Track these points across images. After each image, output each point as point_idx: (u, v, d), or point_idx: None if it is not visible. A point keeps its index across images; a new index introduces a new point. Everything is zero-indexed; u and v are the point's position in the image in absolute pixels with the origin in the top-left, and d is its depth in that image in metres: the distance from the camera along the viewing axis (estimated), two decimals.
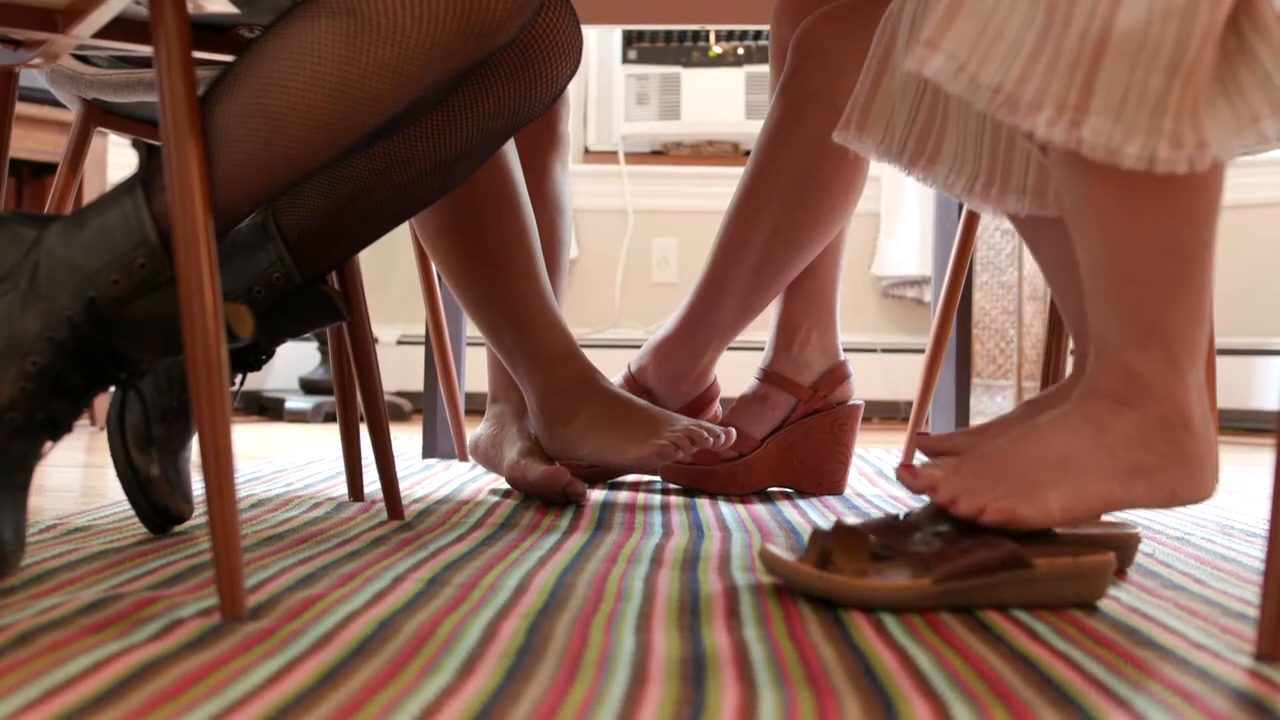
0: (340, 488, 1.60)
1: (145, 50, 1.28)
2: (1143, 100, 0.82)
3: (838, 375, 1.66)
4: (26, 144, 2.69)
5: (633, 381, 1.70)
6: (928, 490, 0.93)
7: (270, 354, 1.20)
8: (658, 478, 1.76)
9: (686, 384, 1.69)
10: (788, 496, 1.63)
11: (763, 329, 1.73)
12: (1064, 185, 0.91)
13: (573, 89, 3.57)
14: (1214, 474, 0.93)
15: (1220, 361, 3.16)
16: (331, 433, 2.87)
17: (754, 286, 1.63)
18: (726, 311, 1.64)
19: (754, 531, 1.30)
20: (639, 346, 3.80)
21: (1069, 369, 1.48)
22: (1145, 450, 0.90)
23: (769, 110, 1.65)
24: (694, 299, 1.66)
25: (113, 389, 1.09)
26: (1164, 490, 0.92)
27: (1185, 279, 0.88)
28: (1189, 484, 0.92)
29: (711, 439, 1.43)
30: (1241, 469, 2.24)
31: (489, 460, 1.63)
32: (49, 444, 0.99)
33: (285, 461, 1.96)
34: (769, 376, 1.66)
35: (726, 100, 3.64)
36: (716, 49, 3.65)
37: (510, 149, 1.50)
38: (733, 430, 1.47)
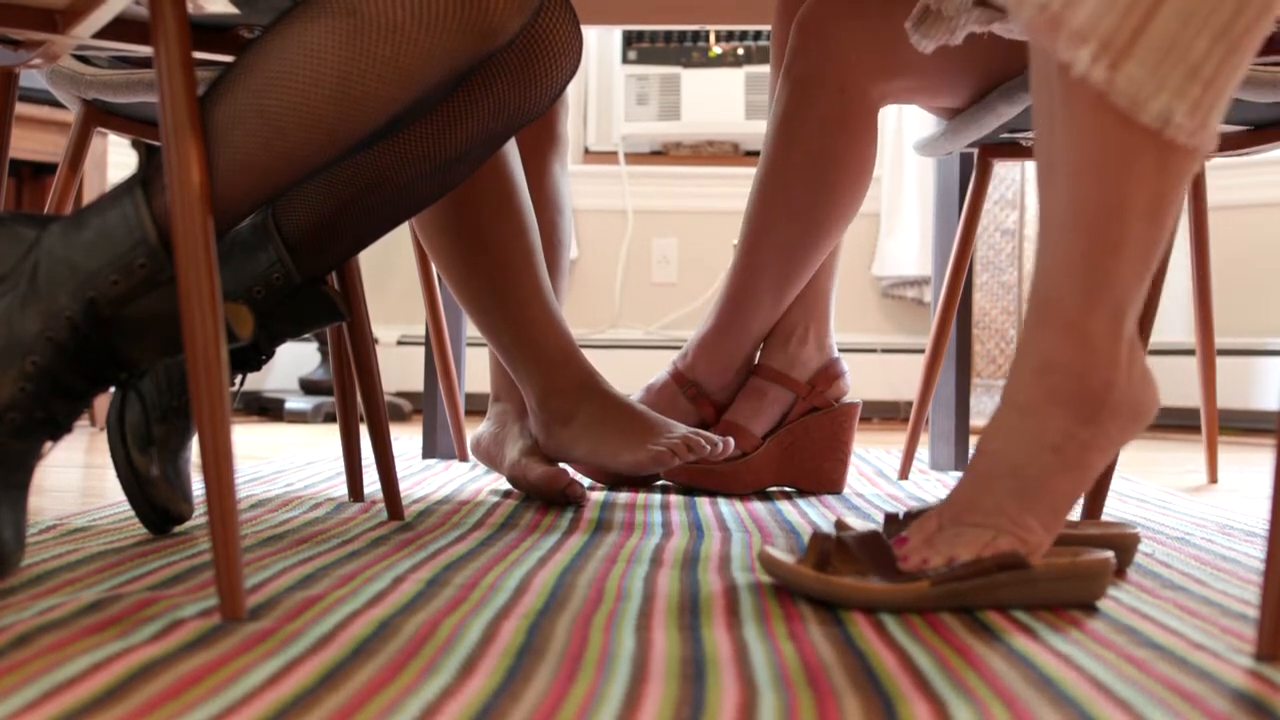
0: (340, 488, 1.60)
1: (145, 50, 1.28)
2: (1183, 59, 0.78)
3: (832, 372, 1.68)
4: (26, 144, 2.69)
5: (680, 378, 1.70)
6: (918, 570, 0.92)
7: (270, 354, 1.20)
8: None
9: (734, 374, 1.69)
10: (787, 496, 1.63)
11: None
12: (1072, 128, 0.86)
13: (573, 89, 3.57)
14: (1154, 396, 0.92)
15: (1220, 361, 3.15)
16: (331, 433, 2.86)
17: (785, 270, 1.64)
18: (763, 297, 1.66)
19: (754, 531, 1.30)
20: (639, 347, 3.81)
21: None
22: (1085, 426, 0.90)
23: (775, 97, 1.65)
24: (728, 291, 1.68)
25: (113, 389, 1.09)
26: (1117, 438, 0.92)
27: (1154, 242, 0.87)
28: (1136, 418, 0.92)
29: (709, 447, 1.43)
30: (1241, 469, 2.24)
31: (490, 459, 1.63)
32: (49, 444, 0.99)
33: (285, 462, 1.96)
34: (765, 372, 1.67)
35: (726, 100, 3.64)
36: (716, 49, 3.65)
37: (511, 148, 1.50)
38: (730, 440, 1.47)
